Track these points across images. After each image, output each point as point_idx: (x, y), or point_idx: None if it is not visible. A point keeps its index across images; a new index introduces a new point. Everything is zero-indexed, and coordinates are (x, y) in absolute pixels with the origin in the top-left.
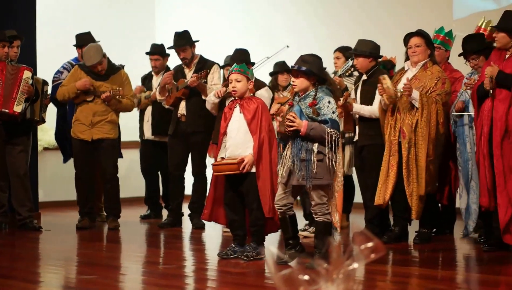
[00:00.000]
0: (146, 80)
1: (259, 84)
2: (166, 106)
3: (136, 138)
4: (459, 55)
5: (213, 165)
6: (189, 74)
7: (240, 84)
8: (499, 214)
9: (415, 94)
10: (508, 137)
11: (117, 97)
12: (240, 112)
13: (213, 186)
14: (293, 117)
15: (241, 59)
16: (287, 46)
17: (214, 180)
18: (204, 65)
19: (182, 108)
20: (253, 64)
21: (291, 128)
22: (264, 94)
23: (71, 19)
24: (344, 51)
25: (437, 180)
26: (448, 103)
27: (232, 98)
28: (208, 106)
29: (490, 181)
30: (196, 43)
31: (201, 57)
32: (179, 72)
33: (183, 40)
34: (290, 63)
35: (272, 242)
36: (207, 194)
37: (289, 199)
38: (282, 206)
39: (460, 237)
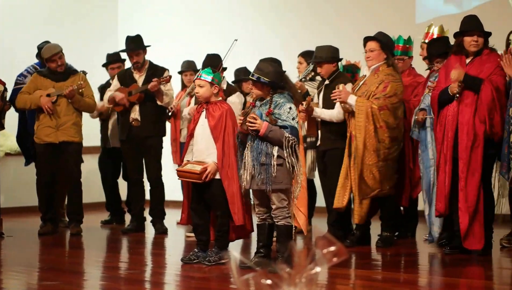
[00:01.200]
0: (104, 89)
1: (231, 90)
2: (118, 111)
3: (96, 143)
4: (424, 58)
5: (177, 170)
6: (140, 78)
7: (203, 90)
8: (460, 219)
9: (351, 100)
10: (475, 141)
11: (80, 91)
12: (206, 118)
13: (186, 190)
14: (254, 118)
15: (210, 64)
16: (236, 40)
17: (186, 183)
18: (156, 71)
19: (135, 113)
20: (225, 69)
21: (252, 128)
22: (235, 100)
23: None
24: (307, 56)
25: (391, 183)
26: (396, 107)
27: (200, 103)
28: (186, 121)
29: (448, 187)
30: (153, 48)
31: (150, 62)
32: (127, 77)
33: (137, 44)
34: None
35: (235, 247)
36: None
37: (268, 205)
38: (264, 213)
39: (423, 240)
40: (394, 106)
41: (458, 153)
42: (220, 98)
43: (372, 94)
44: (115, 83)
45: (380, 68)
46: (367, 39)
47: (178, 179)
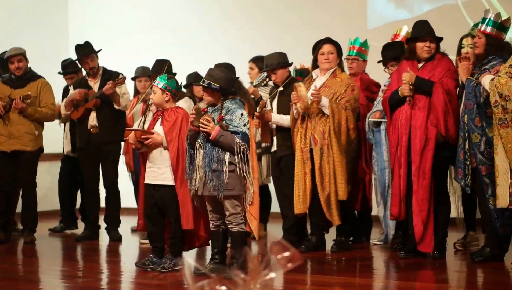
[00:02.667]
0: (65, 94)
1: (180, 95)
2: (74, 119)
3: (55, 150)
4: (379, 62)
5: (126, 129)
6: (95, 85)
7: (155, 96)
8: (414, 222)
9: (325, 101)
10: (427, 144)
11: (27, 101)
12: (161, 124)
13: (141, 197)
14: (207, 120)
15: (159, 69)
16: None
17: (141, 191)
18: (110, 76)
19: (92, 120)
20: (175, 74)
21: (205, 130)
22: (183, 104)
23: None
24: (258, 62)
25: (350, 186)
26: (357, 110)
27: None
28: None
29: (403, 190)
30: (108, 54)
31: (104, 68)
32: (83, 84)
33: (88, 49)
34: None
35: (189, 253)
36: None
37: (222, 212)
38: (217, 220)
39: (377, 245)
40: (357, 109)
41: (411, 157)
42: (176, 104)
43: (341, 96)
44: (71, 93)
45: (336, 72)
46: (325, 41)
47: (124, 138)
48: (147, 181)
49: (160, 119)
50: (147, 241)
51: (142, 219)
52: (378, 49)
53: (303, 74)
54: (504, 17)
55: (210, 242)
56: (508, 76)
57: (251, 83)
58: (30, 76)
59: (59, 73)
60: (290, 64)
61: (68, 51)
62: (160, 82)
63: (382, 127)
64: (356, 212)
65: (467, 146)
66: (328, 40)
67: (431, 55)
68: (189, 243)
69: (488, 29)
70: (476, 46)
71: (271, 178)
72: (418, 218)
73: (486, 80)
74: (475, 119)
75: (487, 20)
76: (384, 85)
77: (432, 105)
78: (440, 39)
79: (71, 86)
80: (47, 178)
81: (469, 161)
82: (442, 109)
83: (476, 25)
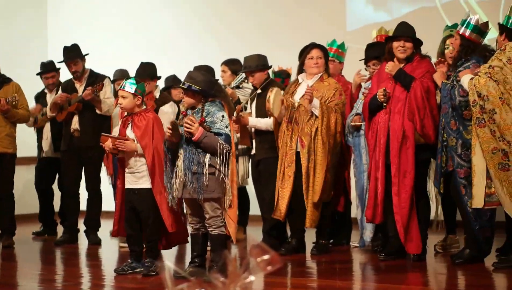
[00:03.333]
0: (40, 98)
1: (164, 99)
2: (59, 121)
3: (31, 154)
4: (360, 60)
5: (102, 134)
6: (80, 88)
7: (126, 101)
8: (397, 223)
9: (316, 102)
10: (405, 143)
11: (14, 103)
12: (131, 129)
13: (117, 201)
14: (192, 121)
15: (144, 73)
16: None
17: (119, 196)
18: (96, 79)
19: (75, 123)
20: (159, 78)
21: (189, 130)
22: (168, 109)
23: None
24: (231, 65)
25: (332, 188)
26: (343, 114)
27: (127, 114)
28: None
29: (381, 193)
30: (86, 57)
31: (91, 71)
32: (69, 87)
33: (74, 53)
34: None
35: (169, 256)
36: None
37: (202, 215)
38: (197, 223)
39: (357, 247)
40: (344, 114)
41: (390, 159)
42: (144, 108)
43: (329, 100)
44: (55, 96)
45: (323, 76)
46: (314, 46)
47: (100, 143)
48: (127, 185)
49: (130, 124)
50: (126, 245)
51: (117, 225)
52: (358, 50)
53: (282, 76)
54: (482, 21)
55: (185, 241)
56: (488, 76)
57: (228, 85)
58: (2, 80)
59: (37, 74)
60: (269, 67)
61: (46, 57)
62: (131, 87)
63: (362, 131)
64: (336, 214)
65: (444, 150)
66: (316, 45)
67: (406, 55)
68: (166, 243)
69: (467, 32)
70: (453, 47)
71: (248, 180)
72: (400, 218)
73: (465, 79)
74: (450, 122)
75: (466, 22)
76: (365, 88)
77: (408, 99)
78: (419, 41)
79: (60, 87)
80: (21, 181)
81: (445, 165)
82: (418, 104)
83: (453, 26)
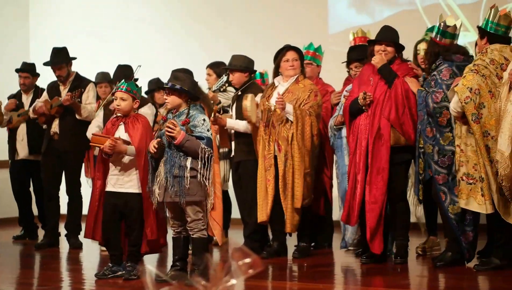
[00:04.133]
0: (15, 98)
1: (142, 101)
2: (40, 123)
3: (5, 157)
4: (342, 62)
5: (93, 134)
6: (64, 91)
7: (125, 103)
8: (366, 220)
9: (289, 107)
10: (380, 140)
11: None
12: (125, 132)
13: (93, 203)
14: (174, 124)
15: (124, 75)
16: (139, 66)
17: (95, 198)
18: (80, 83)
19: (55, 126)
20: (136, 80)
21: (171, 134)
22: (147, 111)
23: None
24: (216, 68)
25: (312, 192)
26: (321, 115)
27: (116, 115)
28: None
29: (360, 196)
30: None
31: (77, 74)
32: (54, 89)
33: (60, 58)
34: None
35: (150, 260)
36: (88, 211)
37: (183, 218)
38: (179, 226)
39: (338, 249)
40: (321, 115)
41: (369, 160)
42: (137, 111)
43: (304, 102)
44: (44, 94)
45: (299, 78)
46: (289, 48)
47: (90, 143)
48: (109, 188)
49: (123, 126)
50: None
51: (91, 227)
52: (340, 53)
53: (264, 78)
54: (451, 24)
55: (159, 250)
56: (474, 72)
57: (210, 88)
58: None
59: (16, 70)
60: (253, 72)
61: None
62: (132, 89)
63: (343, 132)
64: (317, 217)
65: (421, 157)
66: (291, 47)
67: (387, 59)
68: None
69: (437, 37)
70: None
71: (229, 184)
72: (368, 215)
73: (451, 93)
74: (426, 129)
75: (436, 28)
76: (346, 90)
77: (388, 96)
78: (401, 46)
79: (37, 91)
80: None
81: (423, 172)
82: (397, 102)
83: (430, 29)
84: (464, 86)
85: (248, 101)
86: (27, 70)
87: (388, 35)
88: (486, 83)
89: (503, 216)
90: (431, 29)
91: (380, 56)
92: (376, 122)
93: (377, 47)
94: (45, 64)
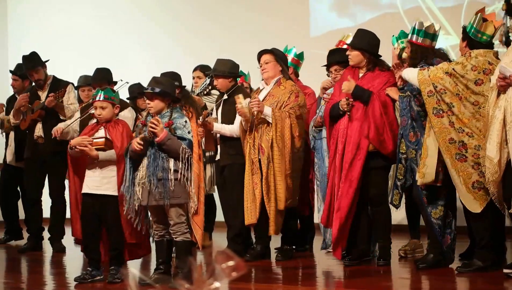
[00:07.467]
0: (11, 102)
1: (122, 105)
2: (22, 129)
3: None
4: (323, 66)
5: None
6: (43, 95)
7: (106, 111)
8: (332, 225)
9: (267, 110)
10: (358, 154)
11: None
12: (106, 135)
13: (74, 204)
14: (158, 121)
15: (102, 79)
16: (127, 82)
17: (75, 198)
18: (59, 86)
19: (38, 130)
20: (115, 83)
21: (154, 130)
22: (127, 115)
23: None
24: (204, 70)
25: (298, 194)
26: (304, 116)
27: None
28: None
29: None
30: (48, 64)
31: (54, 77)
32: (33, 95)
33: (34, 62)
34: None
35: (133, 264)
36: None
37: (166, 222)
38: (162, 230)
39: (319, 251)
40: (304, 115)
41: (343, 164)
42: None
43: (284, 104)
44: (16, 101)
45: (281, 80)
46: (261, 53)
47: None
48: (86, 190)
49: (103, 129)
50: None
51: (78, 226)
52: (321, 56)
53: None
54: (428, 23)
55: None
56: (447, 75)
57: (193, 92)
58: None
59: (10, 71)
60: (238, 76)
61: (7, 66)
62: (109, 96)
63: (323, 133)
64: (302, 219)
65: (401, 163)
66: (263, 51)
67: (354, 63)
68: (132, 254)
69: (414, 38)
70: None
71: (215, 187)
72: (336, 222)
73: (411, 73)
74: (409, 134)
75: (412, 28)
76: (326, 94)
77: (366, 115)
78: (374, 53)
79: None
80: None
81: (403, 178)
82: (376, 121)
83: (401, 34)
84: (429, 79)
85: (241, 99)
86: (16, 73)
87: (354, 40)
88: (454, 86)
89: (467, 205)
90: (402, 34)
91: (346, 82)
92: (354, 128)
93: (333, 68)
94: (12, 72)
